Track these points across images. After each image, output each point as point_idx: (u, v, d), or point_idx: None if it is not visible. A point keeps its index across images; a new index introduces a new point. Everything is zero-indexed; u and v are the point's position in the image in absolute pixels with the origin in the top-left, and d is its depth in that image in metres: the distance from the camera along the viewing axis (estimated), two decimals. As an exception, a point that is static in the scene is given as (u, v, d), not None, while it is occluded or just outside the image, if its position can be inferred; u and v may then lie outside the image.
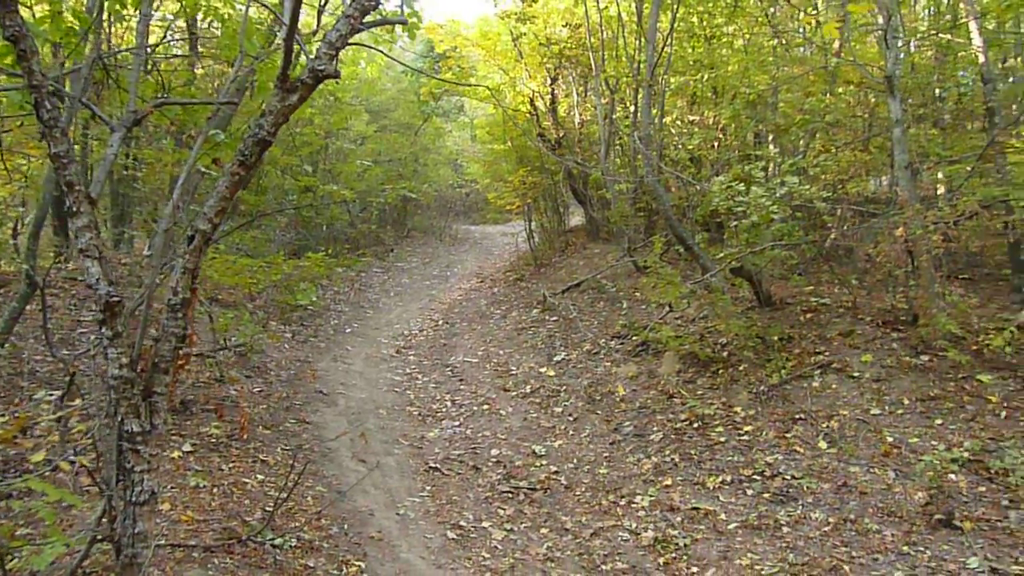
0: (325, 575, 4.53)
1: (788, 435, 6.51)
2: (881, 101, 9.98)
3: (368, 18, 3.44)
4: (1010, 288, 8.10)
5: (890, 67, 7.17)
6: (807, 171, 8.64)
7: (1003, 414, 5.98)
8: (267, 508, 5.15)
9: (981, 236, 8.42)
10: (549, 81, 13.69)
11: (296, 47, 3.47)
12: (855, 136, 9.68)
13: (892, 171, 7.99)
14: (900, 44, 7.30)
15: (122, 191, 12.47)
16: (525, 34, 11.92)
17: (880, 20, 7.18)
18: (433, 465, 6.89)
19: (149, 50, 5.74)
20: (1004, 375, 6.38)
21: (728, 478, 6.16)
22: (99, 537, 3.53)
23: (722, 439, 6.72)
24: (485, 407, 8.35)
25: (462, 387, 9.09)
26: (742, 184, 7.00)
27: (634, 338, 9.07)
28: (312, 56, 3.29)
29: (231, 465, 5.81)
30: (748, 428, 6.78)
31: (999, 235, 8.31)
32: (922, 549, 4.94)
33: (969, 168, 6.85)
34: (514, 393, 8.70)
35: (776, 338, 7.77)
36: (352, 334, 11.53)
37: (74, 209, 3.24)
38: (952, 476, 5.51)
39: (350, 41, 3.45)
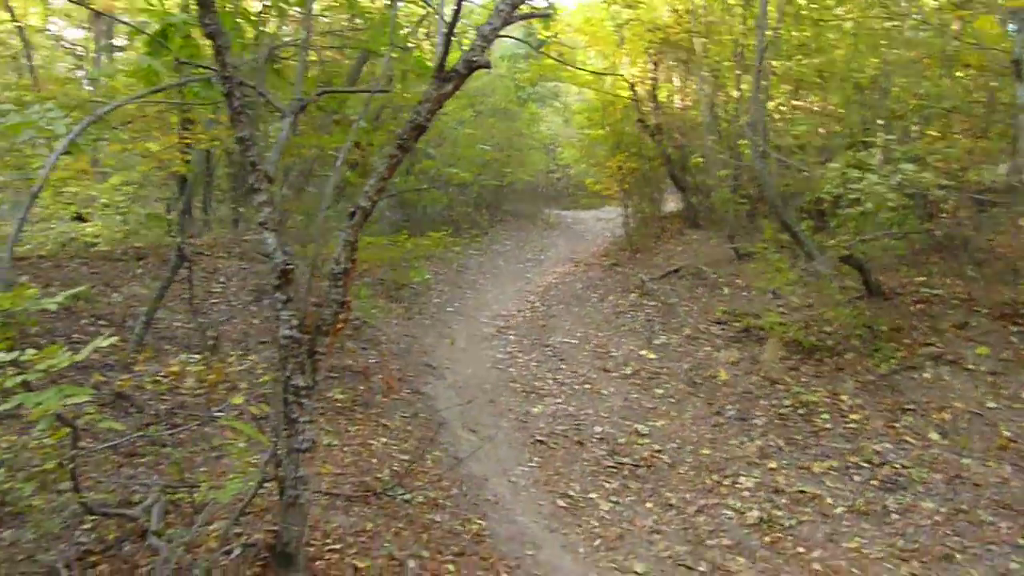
0: (451, 530, 4.89)
1: (897, 425, 6.49)
2: (1002, 85, 9.63)
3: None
4: None
5: (1018, 50, 6.95)
6: (922, 159, 8.44)
7: None
8: (393, 468, 5.57)
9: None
10: (651, 66, 13.69)
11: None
12: (973, 123, 9.36)
13: (1014, 159, 7.73)
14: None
15: (235, 172, 13.28)
16: (632, 20, 11.97)
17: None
18: (539, 438, 7.18)
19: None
20: None
21: (835, 464, 6.21)
22: (266, 479, 3.97)
23: (828, 426, 6.75)
24: (586, 386, 8.58)
25: (563, 367, 9.34)
26: (856, 171, 6.93)
27: (736, 324, 9.11)
28: (466, 48, 3.57)
29: (356, 428, 6.27)
30: (855, 416, 6.78)
31: None
32: (1040, 542, 4.90)
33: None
34: (615, 374, 8.89)
35: (885, 328, 7.69)
36: (454, 313, 11.95)
37: (256, 187, 3.63)
38: (1074, 472, 5.42)
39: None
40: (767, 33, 8.91)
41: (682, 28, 12.20)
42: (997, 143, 8.89)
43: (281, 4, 4.26)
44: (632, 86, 13.65)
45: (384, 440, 6.17)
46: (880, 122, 10.71)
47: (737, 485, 6.20)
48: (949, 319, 7.60)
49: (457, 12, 3.38)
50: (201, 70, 3.97)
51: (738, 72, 12.26)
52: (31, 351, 2.69)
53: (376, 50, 4.39)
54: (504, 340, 10.70)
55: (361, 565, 4.27)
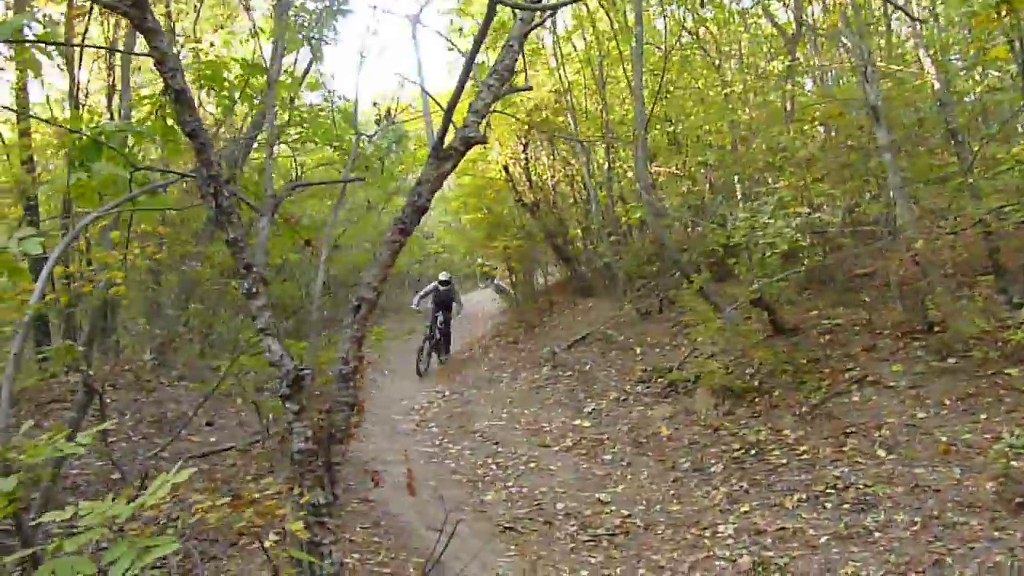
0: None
1: (845, 448, 6.80)
2: (844, 134, 10.81)
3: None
4: (995, 290, 8.73)
5: (873, 99, 7.83)
6: (788, 203, 9.22)
7: (1041, 402, 6.43)
8: (381, 583, 5.12)
9: (967, 246, 9.12)
10: (521, 147, 14.22)
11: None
12: (829, 167, 10.40)
13: (889, 193, 8.60)
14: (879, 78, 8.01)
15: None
16: (513, 104, 12.47)
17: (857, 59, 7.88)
18: (507, 525, 6.89)
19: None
20: (1028, 367, 6.86)
21: (803, 496, 6.37)
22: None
23: (783, 461, 6.96)
24: (532, 465, 8.39)
25: (500, 449, 9.10)
26: (761, 219, 7.45)
27: (659, 380, 9.32)
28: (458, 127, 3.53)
29: (324, 548, 5.72)
30: (804, 447, 7.05)
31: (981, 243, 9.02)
32: (1012, 532, 5.20)
33: (970, 180, 7.47)
34: (556, 448, 8.78)
35: (804, 361, 8.15)
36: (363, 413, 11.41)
37: (253, 291, 3.34)
38: (1014, 463, 5.87)
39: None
40: (650, 106, 9.53)
41: (554, 107, 12.83)
42: (858, 183, 9.90)
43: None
44: (506, 167, 14.08)
45: (357, 556, 5.68)
46: (745, 175, 11.68)
47: (718, 535, 6.21)
48: (857, 344, 8.18)
49: (459, 91, 3.35)
50: (159, 175, 3.65)
51: (606, 145, 12.99)
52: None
53: (338, 143, 4.25)
54: (427, 433, 10.32)
55: None
